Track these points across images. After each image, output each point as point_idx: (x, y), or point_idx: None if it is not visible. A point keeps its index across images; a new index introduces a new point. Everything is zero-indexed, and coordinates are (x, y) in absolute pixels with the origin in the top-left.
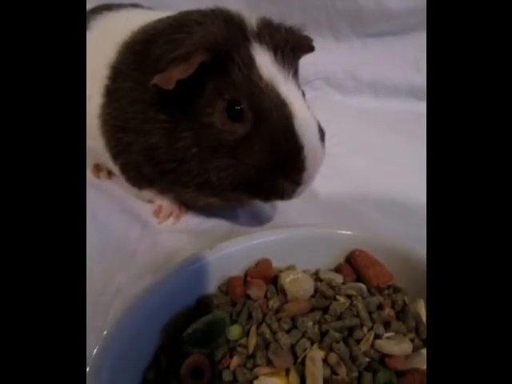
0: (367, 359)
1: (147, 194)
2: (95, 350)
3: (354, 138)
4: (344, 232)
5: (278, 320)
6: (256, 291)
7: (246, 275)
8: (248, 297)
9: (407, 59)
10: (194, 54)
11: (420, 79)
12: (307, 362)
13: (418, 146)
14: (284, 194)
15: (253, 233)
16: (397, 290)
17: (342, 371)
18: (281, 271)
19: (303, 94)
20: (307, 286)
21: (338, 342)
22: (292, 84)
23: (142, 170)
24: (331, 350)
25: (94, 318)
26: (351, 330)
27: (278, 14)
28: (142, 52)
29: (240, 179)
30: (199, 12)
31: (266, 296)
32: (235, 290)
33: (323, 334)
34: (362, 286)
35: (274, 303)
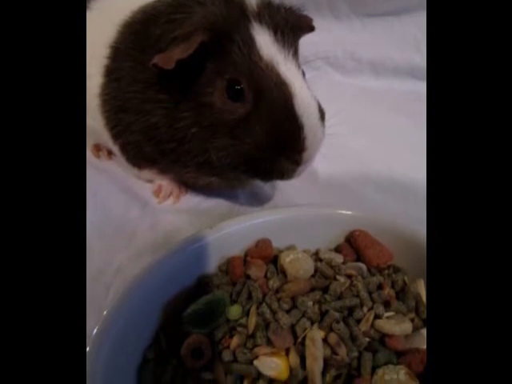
0: (367, 339)
1: (147, 173)
2: (95, 330)
3: (353, 117)
4: (344, 212)
5: (278, 300)
6: (256, 271)
7: (245, 255)
8: (248, 277)
9: (407, 39)
10: (194, 33)
11: (420, 59)
12: (307, 341)
13: (417, 126)
14: (284, 173)
15: (253, 212)
16: (397, 269)
17: (342, 351)
18: (281, 251)
19: (303, 74)
20: (307, 266)
21: (338, 322)
22: (292, 64)
23: (142, 149)
24: (331, 329)
25: (94, 297)
26: (351, 310)
27: None
28: (142, 32)
29: (240, 159)
30: None
31: (265, 276)
32: (235, 270)
33: (323, 314)
34: (362, 265)
35: (273, 283)
